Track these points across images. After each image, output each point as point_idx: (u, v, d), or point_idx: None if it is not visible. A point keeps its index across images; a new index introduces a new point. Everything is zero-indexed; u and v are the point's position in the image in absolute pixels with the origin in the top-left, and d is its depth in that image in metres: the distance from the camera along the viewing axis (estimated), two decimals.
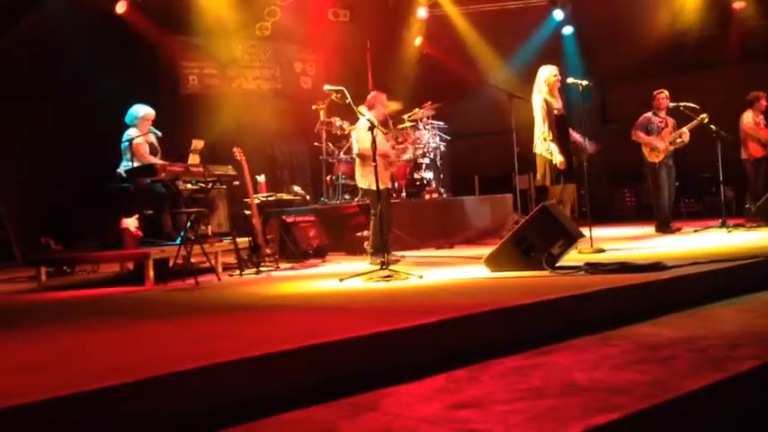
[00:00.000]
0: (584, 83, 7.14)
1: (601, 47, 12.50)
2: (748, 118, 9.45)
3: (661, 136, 8.76)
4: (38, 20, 9.16)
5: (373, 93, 7.49)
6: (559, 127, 7.02)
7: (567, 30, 13.23)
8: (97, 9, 9.95)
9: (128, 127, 7.28)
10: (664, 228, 8.71)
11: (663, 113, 8.90)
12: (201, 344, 3.38)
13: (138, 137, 7.05)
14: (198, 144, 7.50)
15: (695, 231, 8.49)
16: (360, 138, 7.16)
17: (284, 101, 11.84)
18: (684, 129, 8.72)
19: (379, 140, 6.75)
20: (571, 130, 7.33)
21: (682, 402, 2.62)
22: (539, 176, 7.14)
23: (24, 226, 9.73)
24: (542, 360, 3.27)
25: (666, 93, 8.91)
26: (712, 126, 8.63)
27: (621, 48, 12.22)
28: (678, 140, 8.75)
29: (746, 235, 7.74)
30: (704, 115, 8.63)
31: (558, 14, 13.12)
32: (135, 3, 10.07)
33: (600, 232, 7.83)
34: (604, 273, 4.96)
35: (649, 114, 8.94)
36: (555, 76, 7.09)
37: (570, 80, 7.18)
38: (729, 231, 8.11)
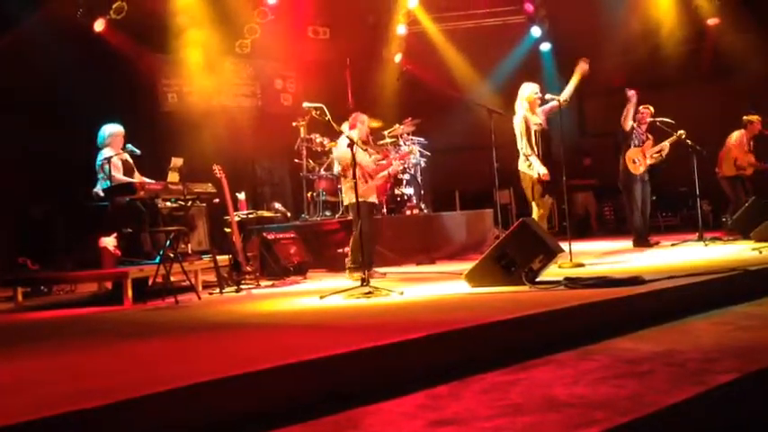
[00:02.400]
0: (563, 99, 7.21)
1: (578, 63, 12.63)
2: (737, 137, 9.58)
3: (643, 150, 8.83)
4: (15, 38, 9.09)
5: (354, 114, 7.55)
6: (541, 141, 7.13)
7: (545, 46, 13.37)
8: (76, 27, 9.89)
9: (99, 149, 7.25)
10: (641, 242, 8.76)
11: (644, 128, 8.97)
12: (181, 363, 3.35)
13: (112, 156, 7.02)
14: (177, 162, 7.48)
15: (673, 245, 8.58)
16: (340, 155, 7.20)
17: (265, 118, 11.83)
18: (666, 143, 8.85)
19: (362, 157, 6.77)
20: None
21: (661, 416, 2.63)
22: (527, 194, 7.23)
23: (1, 246, 9.61)
24: (523, 375, 3.28)
25: (651, 109, 8.99)
26: (688, 141, 8.76)
27: (599, 64, 12.36)
28: (656, 155, 8.86)
29: (724, 248, 7.83)
30: (682, 131, 8.78)
31: (536, 31, 13.26)
32: (113, 21, 10.03)
33: (580, 246, 7.88)
34: (584, 287, 4.99)
35: (634, 127, 9.00)
36: (536, 93, 7.23)
37: (548, 96, 7.26)
38: (706, 245, 8.20)
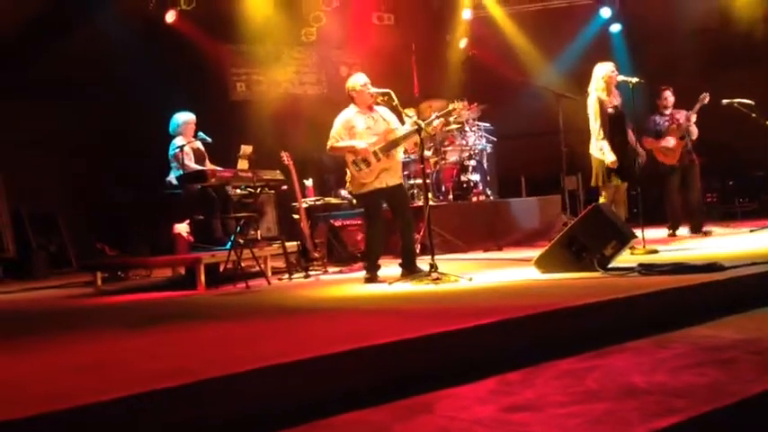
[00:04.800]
0: (635, 80, 6.99)
1: (650, 44, 12.25)
2: None
3: (670, 134, 8.40)
4: (92, 31, 9.39)
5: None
6: (616, 124, 6.89)
7: (615, 27, 13.00)
8: (148, 19, 10.17)
9: (172, 137, 7.43)
10: (674, 229, 8.40)
11: (668, 111, 8.55)
12: (253, 347, 3.41)
13: (184, 144, 7.18)
14: (246, 149, 7.60)
15: (751, 231, 8.25)
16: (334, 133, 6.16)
17: (330, 105, 11.88)
18: (691, 112, 8.31)
19: (361, 131, 6.02)
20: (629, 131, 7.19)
21: (745, 406, 2.54)
22: (593, 177, 7.03)
23: (81, 232, 9.99)
24: (598, 362, 3.21)
25: (670, 90, 8.57)
26: (767, 122, 8.36)
27: (671, 44, 11.96)
28: (692, 129, 8.33)
29: None
30: (705, 94, 8.21)
31: (606, 12, 12.91)
32: (184, 12, 10.25)
33: (653, 233, 7.67)
34: (659, 274, 4.85)
35: (654, 116, 8.62)
36: (612, 71, 6.95)
37: (620, 78, 7.03)
38: None
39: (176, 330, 4.29)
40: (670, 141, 8.33)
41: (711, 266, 4.76)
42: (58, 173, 9.82)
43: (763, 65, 11.62)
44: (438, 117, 6.18)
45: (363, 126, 6.11)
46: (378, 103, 6.25)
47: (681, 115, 8.48)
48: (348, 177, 6.17)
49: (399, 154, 6.27)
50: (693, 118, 8.34)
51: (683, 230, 8.58)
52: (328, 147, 6.18)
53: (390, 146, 6.07)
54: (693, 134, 8.36)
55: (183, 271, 7.57)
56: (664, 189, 8.58)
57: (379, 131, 6.11)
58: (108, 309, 5.85)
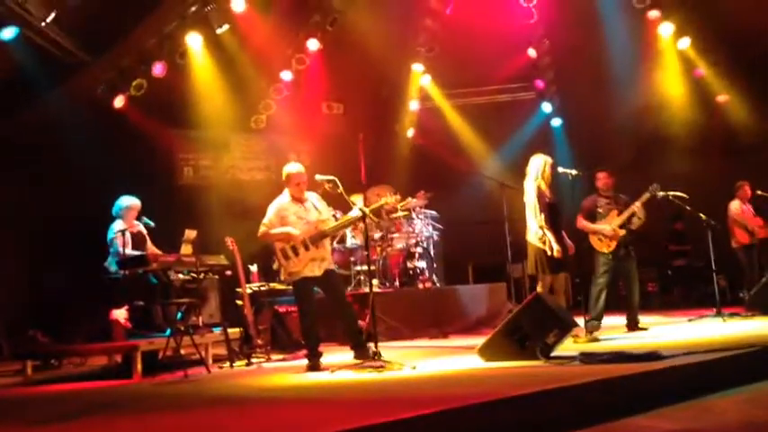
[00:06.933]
0: (574, 172, 7.23)
1: (589, 138, 12.75)
2: (735, 206, 9.63)
3: (607, 219, 7.56)
4: (38, 113, 9.34)
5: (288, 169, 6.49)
6: (552, 215, 7.03)
7: (556, 122, 13.54)
8: (97, 104, 10.16)
9: (113, 219, 7.34)
10: (596, 322, 7.24)
11: (609, 193, 7.74)
12: None
13: (125, 229, 7.07)
14: (191, 234, 7.52)
15: (690, 320, 8.43)
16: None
17: (278, 190, 11.91)
18: (636, 203, 7.50)
19: (293, 220, 6.13)
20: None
21: None
22: (529, 265, 7.11)
23: (13, 318, 9.60)
24: None
25: (607, 171, 7.78)
26: (702, 215, 8.68)
27: (610, 139, 12.47)
28: (634, 219, 7.50)
29: (742, 324, 7.68)
30: (656, 185, 7.66)
31: (547, 107, 13.46)
32: (133, 97, 10.29)
33: (607, 321, 7.69)
34: (600, 363, 4.89)
35: (594, 196, 7.76)
36: (549, 165, 7.13)
37: (560, 169, 7.26)
38: (725, 320, 8.05)
39: (99, 424, 4.10)
40: (606, 228, 7.50)
41: (650, 356, 4.83)
42: None
43: (699, 161, 12.14)
44: (375, 208, 6.35)
45: (295, 214, 6.20)
46: (326, 190, 6.34)
47: (622, 202, 7.71)
48: (276, 266, 6.18)
49: (328, 245, 6.32)
50: (638, 206, 7.54)
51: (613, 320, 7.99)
52: (260, 233, 6.22)
53: (320, 236, 6.15)
54: (635, 224, 7.56)
55: (119, 359, 7.30)
56: (596, 277, 7.60)
57: (310, 220, 6.18)
58: (36, 400, 5.58)
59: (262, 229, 6.20)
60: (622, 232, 7.47)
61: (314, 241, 6.10)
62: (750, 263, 9.53)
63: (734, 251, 9.64)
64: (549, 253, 6.82)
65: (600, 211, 7.63)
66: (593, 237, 7.59)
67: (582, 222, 7.65)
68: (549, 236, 6.87)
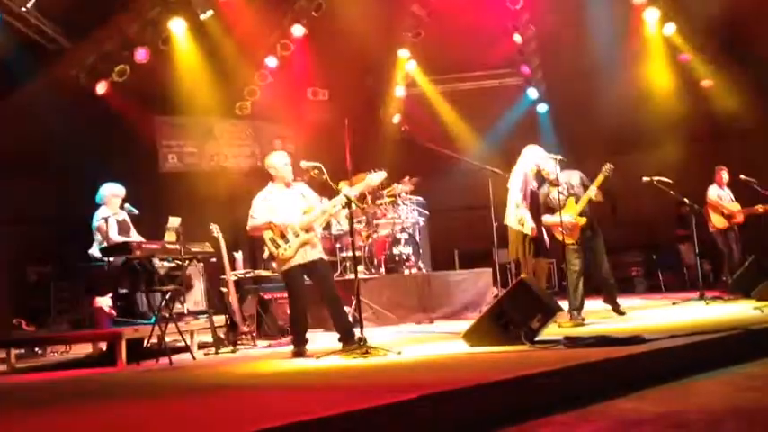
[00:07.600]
0: (559, 158, 7.24)
1: (574, 123, 12.76)
2: (712, 191, 9.69)
3: (566, 210, 7.21)
4: (17, 99, 9.22)
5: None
6: (533, 203, 7.10)
7: (542, 108, 13.55)
8: (79, 90, 10.04)
9: (98, 206, 7.28)
10: (577, 312, 7.04)
11: (559, 181, 7.24)
12: (173, 428, 3.26)
13: (109, 216, 7.03)
14: (174, 221, 7.48)
15: (674, 304, 8.49)
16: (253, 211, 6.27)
17: (263, 177, 11.86)
18: (592, 187, 7.19)
19: (278, 208, 6.12)
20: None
21: None
22: (511, 249, 7.16)
23: None
24: None
25: (558, 157, 7.22)
26: (686, 200, 8.75)
27: (595, 124, 12.50)
28: (593, 195, 7.17)
29: (725, 307, 7.74)
30: (609, 165, 7.20)
31: (533, 93, 13.47)
32: (115, 84, 10.18)
33: (590, 304, 7.72)
34: (584, 346, 4.91)
35: (545, 190, 7.39)
36: (540, 160, 7.22)
37: (551, 156, 7.26)
38: (707, 303, 8.12)
39: (90, 412, 4.07)
40: (567, 220, 7.13)
41: (633, 339, 4.85)
42: None
43: (684, 147, 12.18)
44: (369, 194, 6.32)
45: (281, 203, 6.17)
46: (312, 177, 6.33)
47: (575, 179, 7.39)
48: (266, 255, 6.17)
49: (318, 229, 6.30)
50: (593, 190, 7.20)
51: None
52: (248, 227, 6.20)
53: (308, 221, 6.13)
54: (592, 195, 7.17)
55: (104, 347, 7.27)
56: (566, 265, 7.37)
57: (297, 208, 6.14)
58: (20, 388, 5.54)
59: (249, 222, 6.21)
60: (583, 220, 7.21)
61: (303, 227, 6.11)
62: (728, 247, 9.61)
63: (712, 236, 9.72)
64: (527, 234, 6.89)
65: (556, 202, 7.19)
66: (555, 230, 7.30)
67: (543, 220, 7.33)
68: (526, 214, 6.92)
